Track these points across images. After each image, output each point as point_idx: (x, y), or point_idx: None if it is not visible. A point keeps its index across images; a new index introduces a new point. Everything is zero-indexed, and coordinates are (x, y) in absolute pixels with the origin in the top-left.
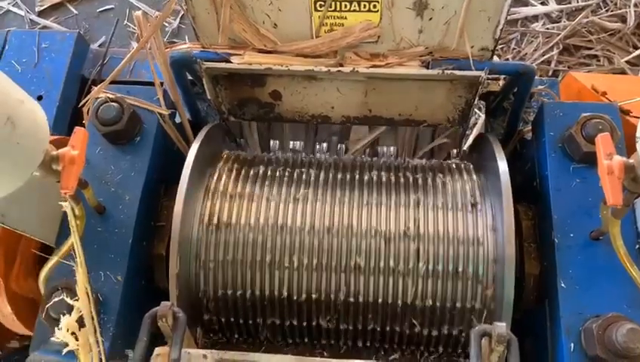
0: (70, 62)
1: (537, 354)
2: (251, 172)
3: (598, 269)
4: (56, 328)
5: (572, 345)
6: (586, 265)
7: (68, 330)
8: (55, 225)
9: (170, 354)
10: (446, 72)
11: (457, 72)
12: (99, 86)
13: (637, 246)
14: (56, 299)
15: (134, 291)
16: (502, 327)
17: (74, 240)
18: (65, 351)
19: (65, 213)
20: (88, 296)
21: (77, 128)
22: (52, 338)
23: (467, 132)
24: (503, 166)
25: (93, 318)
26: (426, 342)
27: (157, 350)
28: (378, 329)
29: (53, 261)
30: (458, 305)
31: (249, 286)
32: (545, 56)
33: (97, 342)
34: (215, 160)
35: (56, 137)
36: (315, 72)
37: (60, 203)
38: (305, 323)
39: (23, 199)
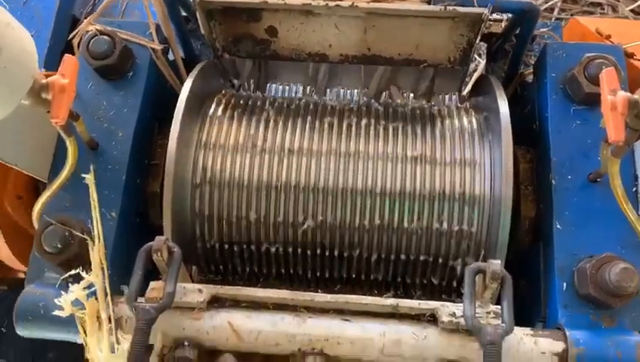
0: (60, 0)
1: (530, 295)
2: (246, 112)
3: (594, 211)
4: (63, 293)
5: (564, 284)
6: (583, 206)
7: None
8: (47, 160)
9: (165, 288)
10: (448, 8)
11: (460, 9)
12: (89, 17)
13: (634, 188)
14: (49, 233)
15: (129, 228)
16: (496, 265)
17: (94, 215)
18: (58, 283)
19: (57, 148)
20: (103, 271)
21: (66, 56)
22: (47, 273)
23: (467, 79)
24: (503, 106)
25: (107, 294)
26: (420, 277)
27: (152, 284)
28: (373, 258)
29: (46, 195)
30: (452, 248)
31: (243, 223)
32: (548, 3)
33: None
34: (209, 98)
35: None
36: (312, 6)
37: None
38: (299, 258)
39: (13, 131)
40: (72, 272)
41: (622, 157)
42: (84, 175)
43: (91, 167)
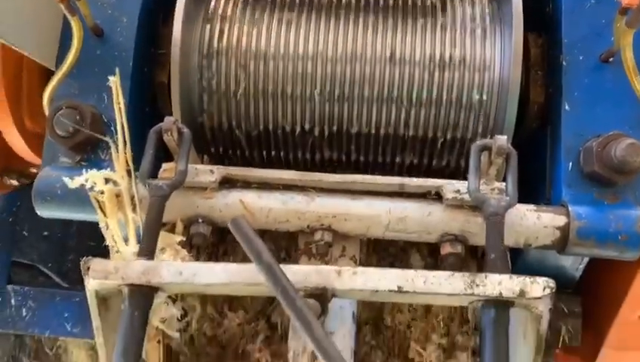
0: None
1: (535, 179)
2: None
3: (604, 92)
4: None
5: (570, 164)
6: (593, 87)
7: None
8: (54, 46)
9: (176, 167)
10: None
11: None
12: None
13: None
14: (60, 117)
15: (138, 116)
16: (502, 140)
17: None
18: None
19: (62, 34)
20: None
21: None
22: (61, 158)
23: None
24: None
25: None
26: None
27: (164, 166)
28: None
29: (55, 80)
30: (460, 128)
31: (252, 107)
32: None
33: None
34: None
35: None
36: None
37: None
38: (308, 138)
39: (18, 12)
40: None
41: (636, 28)
42: (109, 77)
43: (117, 70)
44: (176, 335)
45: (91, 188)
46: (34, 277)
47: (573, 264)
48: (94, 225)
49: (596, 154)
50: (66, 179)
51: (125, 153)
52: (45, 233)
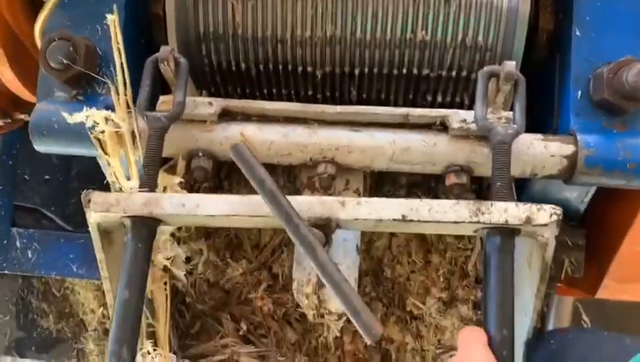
0: None
1: (543, 110)
2: None
3: (617, 16)
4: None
5: (579, 92)
6: (606, 11)
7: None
8: None
9: (174, 98)
10: None
11: None
12: None
13: None
14: (53, 49)
15: (134, 49)
16: (511, 65)
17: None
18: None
19: None
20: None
21: None
22: (57, 92)
23: None
24: None
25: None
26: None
27: (161, 98)
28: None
29: (46, 10)
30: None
31: (250, 45)
32: None
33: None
34: None
35: None
36: None
37: None
38: (309, 77)
39: None
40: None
41: None
42: (107, 15)
43: (114, 7)
44: (182, 274)
45: (92, 128)
46: (38, 221)
47: (579, 197)
48: (95, 167)
49: (607, 81)
50: (65, 115)
51: (126, 95)
52: (46, 177)
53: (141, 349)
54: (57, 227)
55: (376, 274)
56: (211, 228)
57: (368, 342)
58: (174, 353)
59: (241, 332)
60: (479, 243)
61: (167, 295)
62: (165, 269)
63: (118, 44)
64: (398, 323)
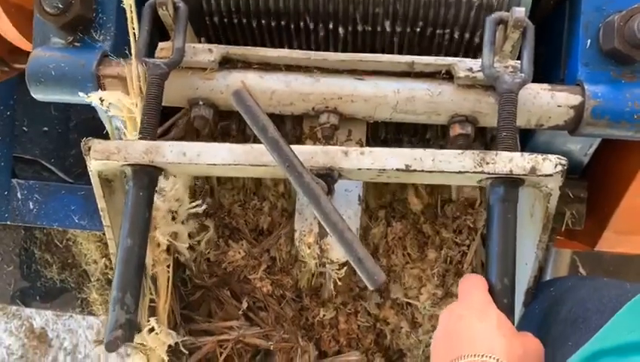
0: None
1: (550, 61)
2: None
3: None
4: None
5: (588, 41)
6: None
7: None
8: None
9: (173, 44)
10: None
11: None
12: None
13: None
14: None
15: None
16: (520, 12)
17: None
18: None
19: None
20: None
21: None
22: (53, 38)
23: None
24: None
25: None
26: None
27: (160, 45)
28: (387, 29)
29: None
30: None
31: None
32: None
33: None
34: None
35: None
36: None
37: None
38: (311, 33)
39: None
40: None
41: None
42: None
43: None
44: (185, 248)
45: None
46: (38, 173)
47: (582, 149)
48: (94, 119)
49: (617, 29)
50: (82, 94)
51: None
52: (45, 128)
53: (144, 325)
54: (57, 179)
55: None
56: (210, 210)
57: (371, 288)
58: (176, 327)
59: (241, 311)
60: (479, 239)
61: (169, 277)
62: (168, 250)
63: (133, 29)
64: (393, 307)
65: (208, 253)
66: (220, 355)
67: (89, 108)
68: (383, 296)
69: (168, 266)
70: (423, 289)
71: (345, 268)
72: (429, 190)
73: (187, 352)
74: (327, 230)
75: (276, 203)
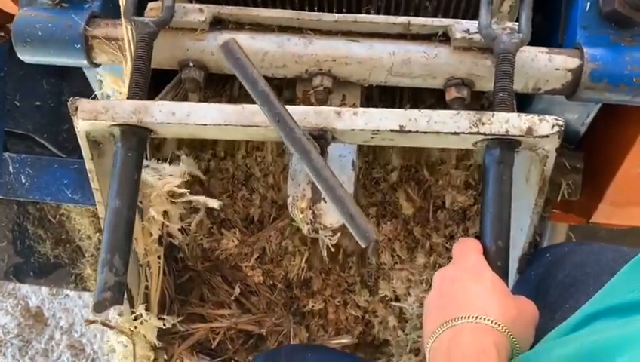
0: None
1: (549, 27)
2: None
3: None
4: None
5: (588, 4)
6: None
7: None
8: None
9: (163, 3)
10: None
11: None
12: None
13: None
14: None
15: None
16: None
17: None
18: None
19: None
20: None
21: None
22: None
23: None
24: None
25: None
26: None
27: (150, 5)
28: None
29: None
30: None
31: None
32: None
33: None
34: None
35: None
36: None
37: None
38: None
39: None
40: None
41: None
42: None
43: None
44: (177, 229)
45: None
46: (30, 148)
47: (579, 118)
48: (86, 92)
49: None
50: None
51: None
52: (37, 103)
53: (134, 312)
54: (50, 154)
55: (362, 257)
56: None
57: (362, 245)
58: (170, 312)
59: (233, 297)
60: None
61: (159, 266)
62: (160, 242)
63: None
64: (382, 301)
65: (201, 239)
66: (213, 340)
67: (82, 82)
68: (371, 292)
69: (159, 257)
70: (411, 290)
71: (338, 234)
72: (422, 194)
73: (180, 337)
74: (318, 186)
75: (266, 194)
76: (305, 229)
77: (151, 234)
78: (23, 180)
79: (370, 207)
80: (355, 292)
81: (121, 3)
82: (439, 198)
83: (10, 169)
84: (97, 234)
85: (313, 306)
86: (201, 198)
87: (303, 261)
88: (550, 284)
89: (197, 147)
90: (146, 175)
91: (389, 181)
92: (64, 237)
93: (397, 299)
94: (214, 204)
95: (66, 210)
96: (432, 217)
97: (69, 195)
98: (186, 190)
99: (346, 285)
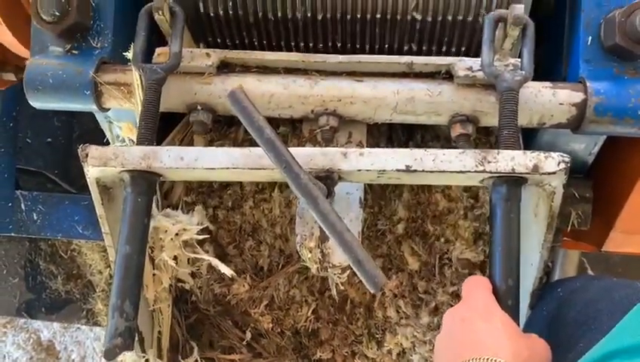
0: None
1: (551, 60)
2: None
3: None
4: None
5: (589, 38)
6: None
7: None
8: None
9: (170, 49)
10: None
11: None
12: None
13: None
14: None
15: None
16: (519, 9)
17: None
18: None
19: None
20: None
21: None
22: (50, 47)
23: None
24: None
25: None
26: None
27: (158, 50)
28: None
29: None
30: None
31: None
32: None
33: None
34: None
35: None
36: None
37: None
38: (309, 26)
39: None
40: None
41: None
42: None
43: None
44: (187, 273)
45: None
46: (42, 184)
47: (586, 148)
48: (96, 129)
49: (619, 25)
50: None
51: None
52: (49, 139)
53: (145, 356)
54: (62, 190)
55: (369, 309)
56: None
57: (372, 291)
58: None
59: (244, 342)
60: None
61: (169, 314)
62: (170, 290)
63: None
64: (390, 353)
65: (212, 284)
66: None
67: (92, 119)
68: (379, 344)
69: (169, 305)
70: (416, 348)
71: (347, 272)
72: (427, 249)
73: None
74: (326, 231)
75: (274, 244)
76: (314, 268)
77: (161, 283)
78: (35, 217)
79: (376, 259)
80: (363, 343)
81: (130, 51)
82: (445, 254)
83: (23, 206)
84: (108, 269)
85: (321, 355)
86: (213, 260)
87: (310, 311)
88: (562, 322)
89: (205, 192)
90: (161, 219)
91: (395, 233)
92: (75, 273)
93: (404, 353)
94: (226, 270)
95: (77, 246)
96: (437, 272)
97: (80, 231)
98: (197, 246)
99: (354, 337)
